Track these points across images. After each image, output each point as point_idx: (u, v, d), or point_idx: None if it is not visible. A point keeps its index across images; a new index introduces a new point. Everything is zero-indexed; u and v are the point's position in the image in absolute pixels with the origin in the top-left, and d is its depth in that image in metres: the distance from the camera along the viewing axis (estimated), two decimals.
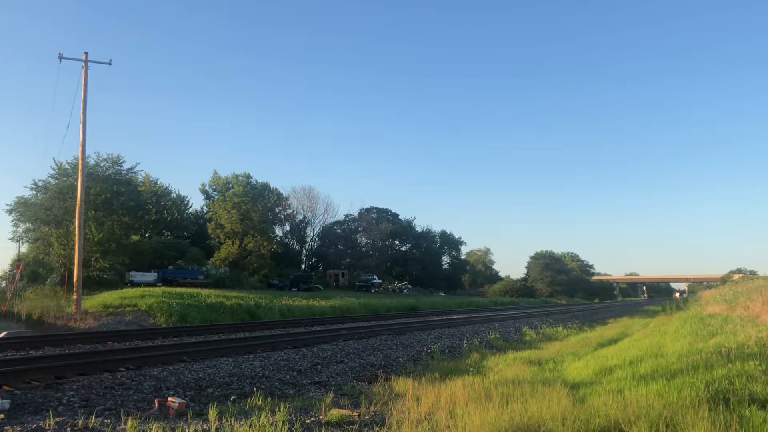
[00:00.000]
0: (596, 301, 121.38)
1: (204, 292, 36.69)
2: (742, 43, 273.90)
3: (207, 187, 75.93)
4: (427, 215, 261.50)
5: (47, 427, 7.03)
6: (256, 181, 72.23)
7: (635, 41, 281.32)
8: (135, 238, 53.05)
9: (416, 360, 16.29)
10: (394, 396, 9.86)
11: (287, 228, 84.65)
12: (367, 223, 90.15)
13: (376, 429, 7.42)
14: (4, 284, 42.28)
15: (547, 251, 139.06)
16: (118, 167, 48.28)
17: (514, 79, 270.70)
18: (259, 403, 9.15)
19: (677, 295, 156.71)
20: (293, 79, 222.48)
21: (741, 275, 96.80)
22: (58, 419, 7.45)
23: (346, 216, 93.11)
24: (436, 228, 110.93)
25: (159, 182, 68.24)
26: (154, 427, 7.10)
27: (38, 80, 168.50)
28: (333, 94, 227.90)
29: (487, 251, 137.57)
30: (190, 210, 74.28)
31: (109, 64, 30.98)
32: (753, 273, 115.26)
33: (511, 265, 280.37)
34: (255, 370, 12.70)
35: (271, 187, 74.93)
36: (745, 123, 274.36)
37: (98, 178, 44.73)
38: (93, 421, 7.39)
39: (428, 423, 7.42)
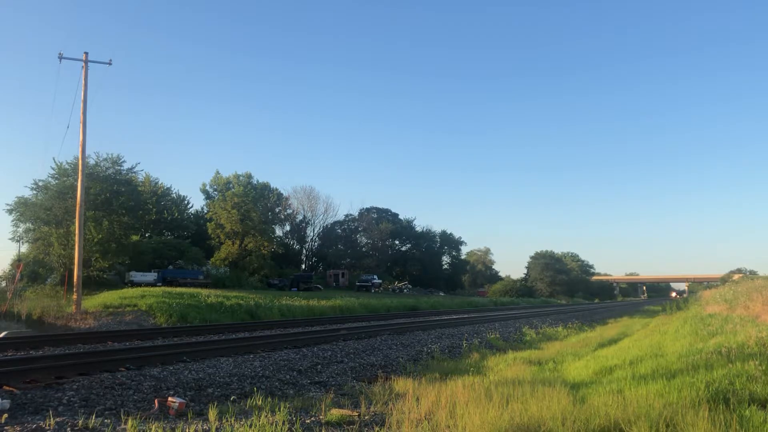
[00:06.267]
0: (596, 301, 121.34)
1: (204, 292, 36.69)
2: (743, 44, 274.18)
3: (208, 187, 76.01)
4: (427, 215, 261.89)
5: (47, 427, 7.03)
6: (257, 181, 72.33)
7: (635, 41, 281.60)
8: (135, 238, 53.03)
9: (416, 360, 16.30)
10: (394, 396, 9.85)
11: (287, 228, 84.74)
12: (367, 223, 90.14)
13: (376, 429, 7.42)
14: (4, 284, 42.37)
15: (547, 251, 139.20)
16: (118, 167, 48.30)
17: (514, 79, 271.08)
18: (259, 403, 9.14)
19: (674, 294, 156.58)
20: (293, 79, 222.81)
21: (741, 275, 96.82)
22: (58, 419, 7.44)
23: (346, 216, 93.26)
24: (436, 228, 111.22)
25: (159, 182, 68.31)
26: (154, 427, 7.10)
27: (38, 80, 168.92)
28: (333, 94, 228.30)
29: (487, 251, 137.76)
30: (191, 210, 74.32)
31: (109, 64, 31.03)
32: (753, 273, 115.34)
33: (511, 265, 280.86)
34: (255, 370, 12.69)
35: (272, 187, 75.05)
36: (746, 123, 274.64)
37: (98, 178, 44.73)
38: (93, 421, 7.38)
39: (428, 423, 7.41)
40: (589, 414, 7.12)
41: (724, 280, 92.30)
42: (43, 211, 43.45)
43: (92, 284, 41.97)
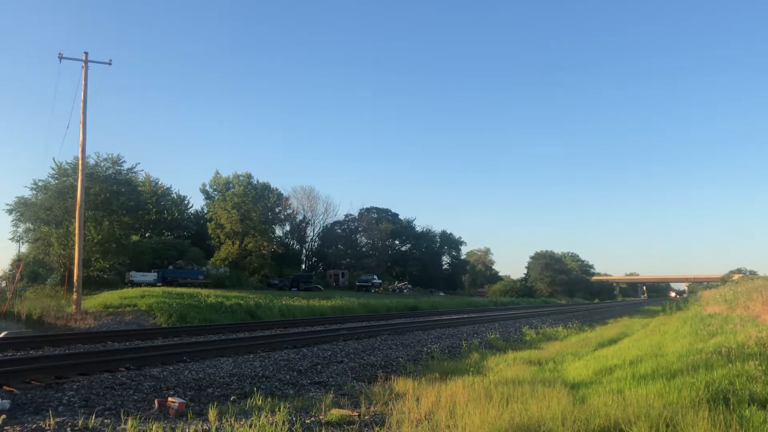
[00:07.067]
0: (596, 301, 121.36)
1: (204, 292, 36.69)
2: (742, 44, 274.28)
3: (208, 187, 76.01)
4: (427, 215, 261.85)
5: (47, 427, 7.03)
6: (257, 181, 72.31)
7: (635, 41, 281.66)
8: (135, 238, 53.00)
9: (416, 360, 16.29)
10: (394, 396, 9.85)
11: (287, 228, 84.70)
12: (367, 223, 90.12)
13: (376, 429, 7.42)
14: (4, 284, 42.24)
15: (547, 251, 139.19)
16: (118, 167, 48.26)
17: (514, 79, 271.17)
18: (259, 403, 9.14)
19: (673, 294, 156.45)
20: (293, 79, 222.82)
21: (741, 275, 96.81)
22: (58, 419, 7.45)
23: (346, 216, 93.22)
24: (436, 228, 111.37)
25: (159, 182, 68.31)
26: (154, 427, 7.10)
27: (38, 80, 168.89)
28: (333, 94, 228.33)
29: (487, 251, 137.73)
30: (191, 210, 74.29)
31: (109, 64, 30.99)
32: (753, 273, 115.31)
33: (511, 265, 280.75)
34: (255, 370, 12.69)
35: (272, 187, 75.03)
36: (745, 123, 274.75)
37: (98, 178, 44.69)
38: (93, 421, 7.38)
39: (428, 423, 7.41)
40: (589, 414, 7.12)
41: (724, 280, 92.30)
42: (43, 211, 43.42)
43: (92, 284, 41.94)
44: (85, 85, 29.82)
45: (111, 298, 31.58)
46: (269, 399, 9.50)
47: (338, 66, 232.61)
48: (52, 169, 45.75)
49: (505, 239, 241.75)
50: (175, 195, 70.65)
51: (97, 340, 17.72)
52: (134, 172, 51.07)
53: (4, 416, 7.45)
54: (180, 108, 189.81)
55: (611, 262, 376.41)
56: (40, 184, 45.11)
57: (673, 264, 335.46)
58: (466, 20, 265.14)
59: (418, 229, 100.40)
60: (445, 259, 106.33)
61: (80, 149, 29.99)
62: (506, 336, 24.47)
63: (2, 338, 16.93)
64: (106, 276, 46.70)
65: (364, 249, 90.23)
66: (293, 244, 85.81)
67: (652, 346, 16.61)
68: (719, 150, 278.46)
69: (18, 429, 6.94)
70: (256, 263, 62.49)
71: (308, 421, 7.83)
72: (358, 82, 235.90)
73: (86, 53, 30.00)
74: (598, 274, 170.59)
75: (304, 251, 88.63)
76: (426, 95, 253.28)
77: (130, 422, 7.26)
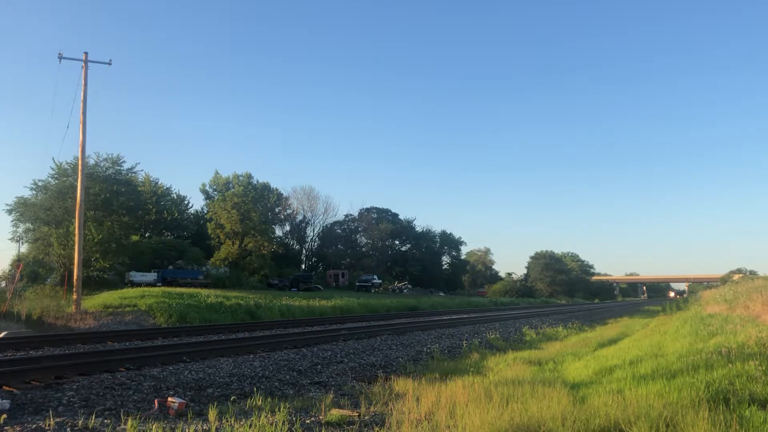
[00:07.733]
0: (596, 301, 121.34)
1: (204, 292, 36.69)
2: (742, 44, 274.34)
3: (207, 187, 75.95)
4: (427, 215, 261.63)
5: (47, 427, 7.03)
6: (257, 181, 72.30)
7: (635, 41, 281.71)
8: (135, 238, 53.00)
9: (416, 360, 16.29)
10: (394, 396, 9.85)
11: (287, 228, 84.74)
12: (367, 223, 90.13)
13: (376, 429, 7.42)
14: (4, 284, 42.24)
15: (547, 251, 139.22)
16: (118, 167, 48.26)
17: (513, 79, 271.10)
18: (259, 403, 9.14)
19: (672, 294, 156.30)
20: (293, 79, 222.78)
21: (741, 275, 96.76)
22: (58, 419, 7.45)
23: (346, 216, 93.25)
24: (436, 228, 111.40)
25: (159, 182, 68.29)
26: (154, 427, 7.10)
27: (38, 80, 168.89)
28: (333, 94, 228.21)
29: (487, 251, 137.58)
30: (191, 210, 74.29)
31: (109, 64, 30.98)
32: (753, 273, 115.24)
33: (511, 265, 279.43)
34: (255, 370, 12.69)
35: (272, 187, 74.98)
36: (745, 123, 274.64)
37: (98, 178, 44.69)
38: (93, 421, 7.39)
39: (428, 423, 7.41)
40: (589, 414, 7.12)
41: (724, 280, 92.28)
42: (42, 211, 43.43)
43: (92, 284, 41.94)
44: (85, 85, 29.84)
45: (111, 298, 31.58)
46: (269, 399, 9.50)
47: (338, 66, 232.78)
48: (52, 169, 45.81)
49: (505, 239, 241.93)
50: (175, 195, 70.67)
51: (97, 340, 17.72)
52: (134, 172, 51.10)
53: (4, 416, 7.46)
54: (180, 108, 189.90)
55: (611, 262, 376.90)
56: (40, 184, 45.15)
57: (673, 264, 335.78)
58: (466, 20, 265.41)
59: (418, 229, 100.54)
60: (445, 259, 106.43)
61: (80, 149, 30.01)
62: (506, 336, 24.46)
63: (2, 338, 16.93)
64: (106, 276, 46.72)
65: (364, 249, 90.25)
66: (293, 244, 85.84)
67: (652, 346, 16.60)
68: (719, 150, 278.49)
69: (18, 429, 6.94)
70: (256, 263, 62.50)
71: (308, 422, 7.83)
72: (358, 82, 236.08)
73: (86, 53, 30.03)
74: (598, 274, 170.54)
75: (304, 251, 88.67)
76: (425, 95, 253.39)
77: (130, 422, 7.26)
